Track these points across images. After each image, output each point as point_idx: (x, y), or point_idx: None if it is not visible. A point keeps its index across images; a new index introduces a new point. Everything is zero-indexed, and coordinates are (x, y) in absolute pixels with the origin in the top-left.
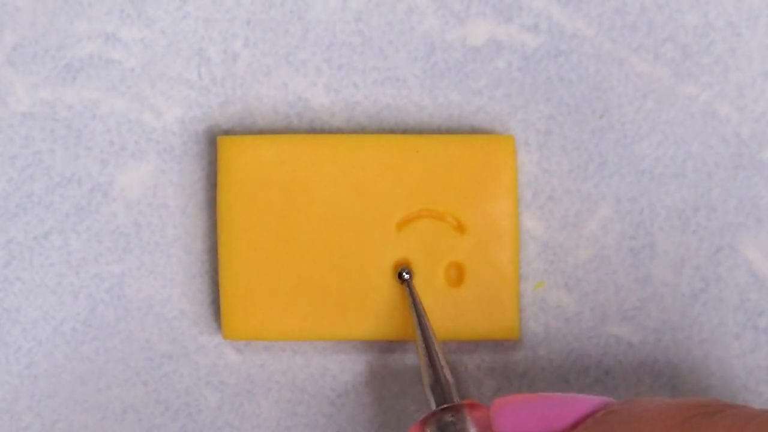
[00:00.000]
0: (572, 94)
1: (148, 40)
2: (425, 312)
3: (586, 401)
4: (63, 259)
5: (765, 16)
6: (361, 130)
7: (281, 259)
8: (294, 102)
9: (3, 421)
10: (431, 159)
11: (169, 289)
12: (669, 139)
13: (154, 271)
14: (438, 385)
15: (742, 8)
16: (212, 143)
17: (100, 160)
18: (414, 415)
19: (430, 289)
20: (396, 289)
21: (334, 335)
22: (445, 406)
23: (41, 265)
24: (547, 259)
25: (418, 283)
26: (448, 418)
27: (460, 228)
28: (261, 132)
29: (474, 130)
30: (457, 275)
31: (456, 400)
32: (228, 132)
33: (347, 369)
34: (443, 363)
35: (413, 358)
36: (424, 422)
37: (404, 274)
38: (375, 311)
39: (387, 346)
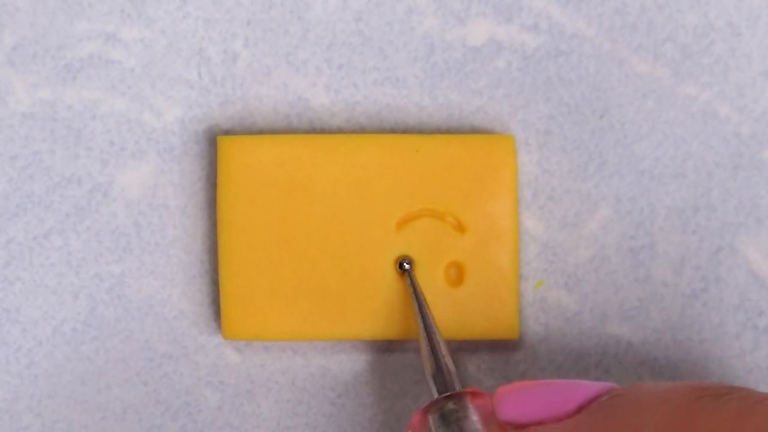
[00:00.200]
0: (572, 94)
1: (148, 40)
2: (426, 302)
3: (590, 387)
4: (63, 259)
5: (765, 16)
6: (361, 130)
7: (281, 259)
8: (294, 102)
9: (3, 421)
10: (431, 159)
11: (169, 289)
12: (669, 139)
13: (154, 271)
14: (440, 374)
15: (742, 8)
16: (212, 143)
17: (100, 160)
18: None
19: (429, 289)
20: (396, 288)
21: (334, 335)
22: (447, 394)
23: (41, 265)
24: (547, 259)
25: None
26: (451, 405)
27: (460, 228)
28: (261, 132)
29: (474, 130)
30: (457, 275)
31: (458, 388)
32: (228, 132)
33: (347, 369)
34: (445, 352)
35: (413, 357)
36: (426, 410)
37: (405, 264)
38: (375, 311)
39: (387, 346)
